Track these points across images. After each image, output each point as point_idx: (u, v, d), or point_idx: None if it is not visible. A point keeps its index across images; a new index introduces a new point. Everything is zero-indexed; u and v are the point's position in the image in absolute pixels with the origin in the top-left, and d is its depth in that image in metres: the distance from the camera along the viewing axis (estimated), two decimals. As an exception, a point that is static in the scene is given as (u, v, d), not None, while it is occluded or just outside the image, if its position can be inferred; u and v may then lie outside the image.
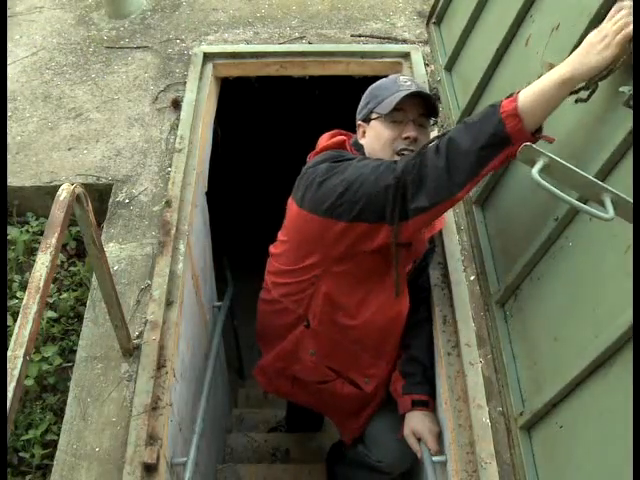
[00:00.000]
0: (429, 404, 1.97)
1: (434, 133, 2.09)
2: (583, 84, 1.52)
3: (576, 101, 1.57)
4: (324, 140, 1.99)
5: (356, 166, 1.70)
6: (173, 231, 2.22)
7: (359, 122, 1.93)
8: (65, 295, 2.32)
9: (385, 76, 2.99)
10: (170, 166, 2.48)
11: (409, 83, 1.85)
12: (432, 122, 1.92)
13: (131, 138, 2.66)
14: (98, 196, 2.45)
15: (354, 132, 2.11)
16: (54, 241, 1.39)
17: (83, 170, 2.54)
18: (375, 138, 1.85)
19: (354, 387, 2.11)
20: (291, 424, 3.45)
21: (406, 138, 1.79)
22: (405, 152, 1.79)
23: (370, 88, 1.93)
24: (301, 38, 3.11)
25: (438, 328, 2.02)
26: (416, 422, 1.95)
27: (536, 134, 1.51)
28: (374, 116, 1.86)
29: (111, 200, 2.42)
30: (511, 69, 2.26)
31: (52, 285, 2.34)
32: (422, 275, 2.08)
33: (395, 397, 2.05)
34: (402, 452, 2.17)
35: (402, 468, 2.33)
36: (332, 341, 2.00)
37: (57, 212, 1.43)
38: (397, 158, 1.78)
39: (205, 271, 2.72)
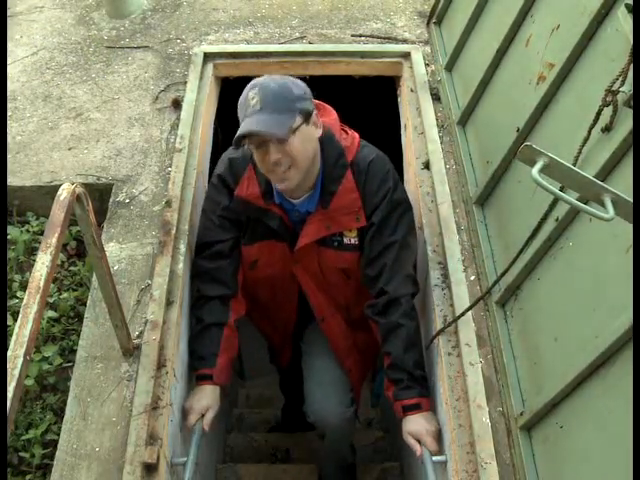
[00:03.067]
0: (421, 406, 1.97)
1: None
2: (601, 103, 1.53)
3: (602, 130, 1.58)
4: None
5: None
6: (173, 231, 2.22)
7: None
8: (65, 295, 2.32)
9: (386, 77, 3.03)
10: (170, 166, 2.48)
11: (255, 100, 1.79)
12: (300, 121, 1.82)
13: (131, 138, 2.66)
14: (98, 196, 2.45)
15: (356, 130, 2.12)
16: (54, 241, 1.39)
17: (83, 170, 2.54)
18: (255, 158, 1.92)
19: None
20: (286, 423, 3.45)
21: (267, 162, 1.84)
22: (274, 172, 1.86)
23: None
24: (301, 38, 3.11)
25: (438, 328, 2.02)
26: (411, 425, 1.95)
27: None
28: None
29: (111, 200, 2.42)
30: (511, 69, 2.26)
31: (52, 285, 2.34)
32: (390, 310, 2.03)
33: (391, 403, 2.06)
34: (326, 405, 2.29)
35: (331, 425, 2.36)
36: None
37: (57, 212, 1.43)
38: (272, 177, 1.91)
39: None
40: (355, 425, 2.53)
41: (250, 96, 1.82)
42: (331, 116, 2.03)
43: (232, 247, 2.12)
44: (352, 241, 2.06)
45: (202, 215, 2.19)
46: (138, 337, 1.98)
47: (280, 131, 1.77)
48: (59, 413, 2.05)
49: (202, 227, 2.18)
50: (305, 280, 2.16)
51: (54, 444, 1.91)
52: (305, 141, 1.85)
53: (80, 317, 2.23)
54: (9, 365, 1.22)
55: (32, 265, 1.45)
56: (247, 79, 3.01)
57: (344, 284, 2.16)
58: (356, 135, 2.08)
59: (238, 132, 1.80)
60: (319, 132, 1.92)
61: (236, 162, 2.07)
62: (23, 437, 2.00)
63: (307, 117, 1.85)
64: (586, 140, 1.64)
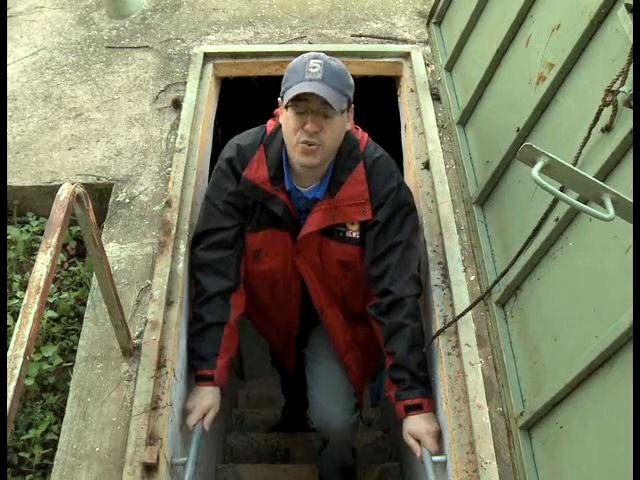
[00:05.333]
0: (423, 406, 1.97)
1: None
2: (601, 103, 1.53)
3: (602, 130, 1.58)
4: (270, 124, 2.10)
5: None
6: (173, 231, 2.22)
7: (279, 98, 1.96)
8: (65, 295, 2.32)
9: (386, 77, 3.03)
10: (170, 166, 2.48)
11: (317, 69, 1.82)
12: (344, 107, 1.88)
13: (131, 138, 2.66)
14: (98, 196, 2.45)
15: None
16: (54, 241, 1.39)
17: (83, 170, 2.54)
18: (284, 123, 1.92)
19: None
20: (287, 423, 3.45)
21: (306, 130, 1.85)
22: (305, 144, 1.86)
23: (288, 65, 1.92)
24: (301, 38, 3.11)
25: (438, 328, 2.02)
26: (411, 426, 1.95)
27: None
28: (284, 100, 1.89)
29: (111, 200, 2.42)
30: (511, 69, 2.26)
31: (52, 285, 2.34)
32: (394, 310, 2.02)
33: (392, 403, 2.06)
34: (331, 411, 2.30)
35: (335, 432, 2.37)
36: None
37: (57, 212, 1.43)
38: (299, 147, 1.87)
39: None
40: (358, 429, 2.53)
41: (312, 64, 1.84)
42: None
43: (235, 237, 2.10)
44: (354, 235, 2.07)
45: (205, 202, 2.15)
46: (138, 337, 1.98)
47: (337, 106, 1.82)
48: (59, 413, 2.05)
49: (205, 214, 2.14)
50: (306, 271, 2.16)
51: (54, 444, 1.91)
52: (342, 126, 1.92)
53: (80, 317, 2.23)
54: (9, 365, 1.22)
55: (32, 265, 1.45)
56: (247, 79, 3.06)
57: (342, 276, 2.17)
58: (365, 134, 2.11)
59: (300, 89, 1.80)
60: (349, 126, 1.98)
61: (245, 147, 2.07)
62: (23, 437, 2.00)
63: (349, 106, 1.93)
64: (586, 140, 1.64)
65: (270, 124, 2.08)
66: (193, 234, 2.20)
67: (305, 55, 1.88)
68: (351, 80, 1.92)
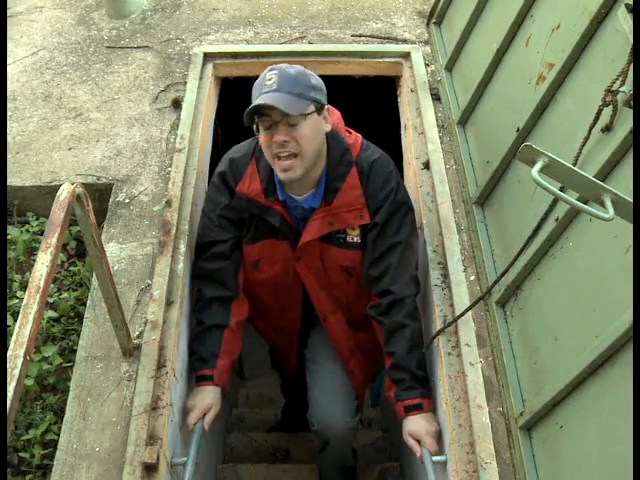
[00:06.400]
0: (423, 406, 1.97)
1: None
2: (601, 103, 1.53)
3: (602, 130, 1.58)
4: None
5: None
6: (173, 231, 2.22)
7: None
8: (65, 295, 2.33)
9: (386, 77, 3.03)
10: (170, 166, 2.48)
11: (272, 80, 1.81)
12: (313, 109, 1.84)
13: (131, 138, 2.66)
14: (98, 196, 2.45)
15: (355, 130, 2.12)
16: (54, 241, 1.39)
17: (83, 170, 2.54)
18: (261, 141, 1.91)
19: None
20: (287, 423, 3.45)
21: (275, 142, 1.83)
22: (280, 155, 1.85)
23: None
24: (301, 38, 3.11)
25: (438, 328, 2.02)
26: (411, 426, 1.95)
27: None
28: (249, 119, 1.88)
29: (111, 200, 2.42)
30: (511, 69, 2.26)
31: (52, 285, 2.34)
32: (394, 310, 2.03)
33: (392, 403, 2.06)
34: (331, 414, 2.30)
35: (335, 435, 2.36)
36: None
37: (57, 212, 1.43)
38: (278, 165, 1.87)
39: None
40: (358, 431, 2.52)
41: (268, 76, 1.83)
42: (334, 115, 2.03)
43: (232, 248, 2.11)
44: (355, 239, 2.07)
45: (202, 216, 2.19)
46: (138, 337, 1.98)
47: (293, 110, 1.78)
48: (59, 413, 2.05)
49: (202, 227, 2.18)
50: (307, 278, 2.15)
51: (54, 444, 1.91)
52: (314, 130, 1.87)
53: (80, 317, 2.23)
54: (9, 365, 1.22)
55: (32, 265, 1.45)
56: (247, 79, 3.06)
57: (346, 283, 2.16)
58: (359, 136, 2.09)
59: (251, 105, 1.80)
60: (328, 127, 1.94)
61: (237, 161, 2.07)
62: (23, 437, 2.00)
63: (319, 108, 1.88)
64: (586, 140, 1.64)
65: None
66: (194, 245, 2.22)
67: (267, 68, 1.88)
68: (314, 81, 1.87)
